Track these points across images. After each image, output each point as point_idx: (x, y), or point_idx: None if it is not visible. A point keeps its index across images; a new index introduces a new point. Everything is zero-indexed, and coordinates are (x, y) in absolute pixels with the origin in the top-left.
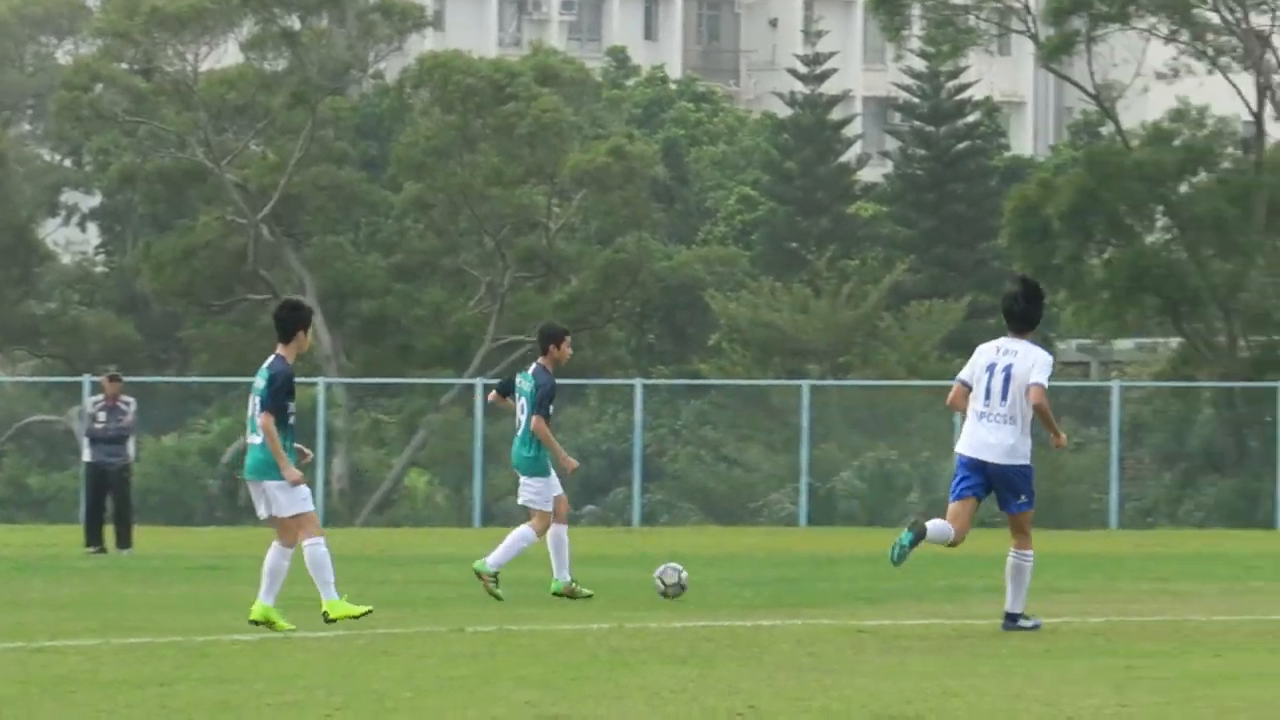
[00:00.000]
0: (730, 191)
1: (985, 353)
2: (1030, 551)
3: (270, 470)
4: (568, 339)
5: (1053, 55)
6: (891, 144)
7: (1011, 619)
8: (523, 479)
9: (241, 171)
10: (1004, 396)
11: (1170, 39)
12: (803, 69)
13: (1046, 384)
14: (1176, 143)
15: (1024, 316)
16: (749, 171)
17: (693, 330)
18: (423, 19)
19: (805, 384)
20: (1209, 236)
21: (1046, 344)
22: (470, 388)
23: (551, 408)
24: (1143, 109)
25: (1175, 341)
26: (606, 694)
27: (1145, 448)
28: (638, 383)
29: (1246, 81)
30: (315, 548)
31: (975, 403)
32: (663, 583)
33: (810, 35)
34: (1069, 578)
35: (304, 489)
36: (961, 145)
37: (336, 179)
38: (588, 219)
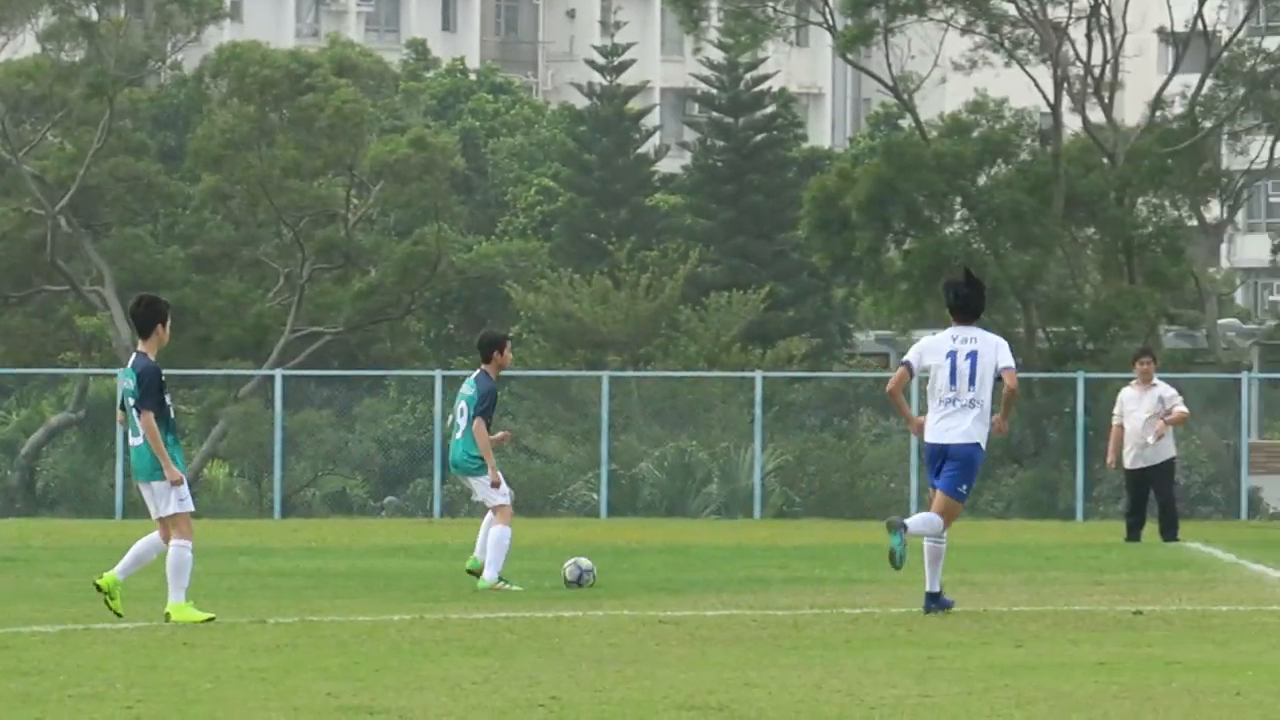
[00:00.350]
0: (529, 184)
1: (940, 341)
2: (945, 535)
3: (156, 471)
4: (509, 344)
5: (850, 47)
6: (690, 135)
7: (933, 599)
8: (472, 480)
9: (39, 163)
10: (971, 382)
11: (967, 30)
12: (601, 60)
13: (1014, 365)
14: (975, 134)
15: (968, 305)
16: (548, 164)
17: (492, 321)
18: (220, 10)
19: (605, 375)
20: (1007, 228)
21: (844, 334)
22: (269, 379)
23: (492, 413)
24: (940, 100)
25: None
26: (408, 685)
27: None
28: (437, 374)
29: (1044, 73)
30: (182, 550)
31: (940, 391)
32: (579, 568)
33: (608, 26)
34: (870, 568)
35: (186, 489)
36: (760, 136)
37: (135, 170)
38: (386, 210)
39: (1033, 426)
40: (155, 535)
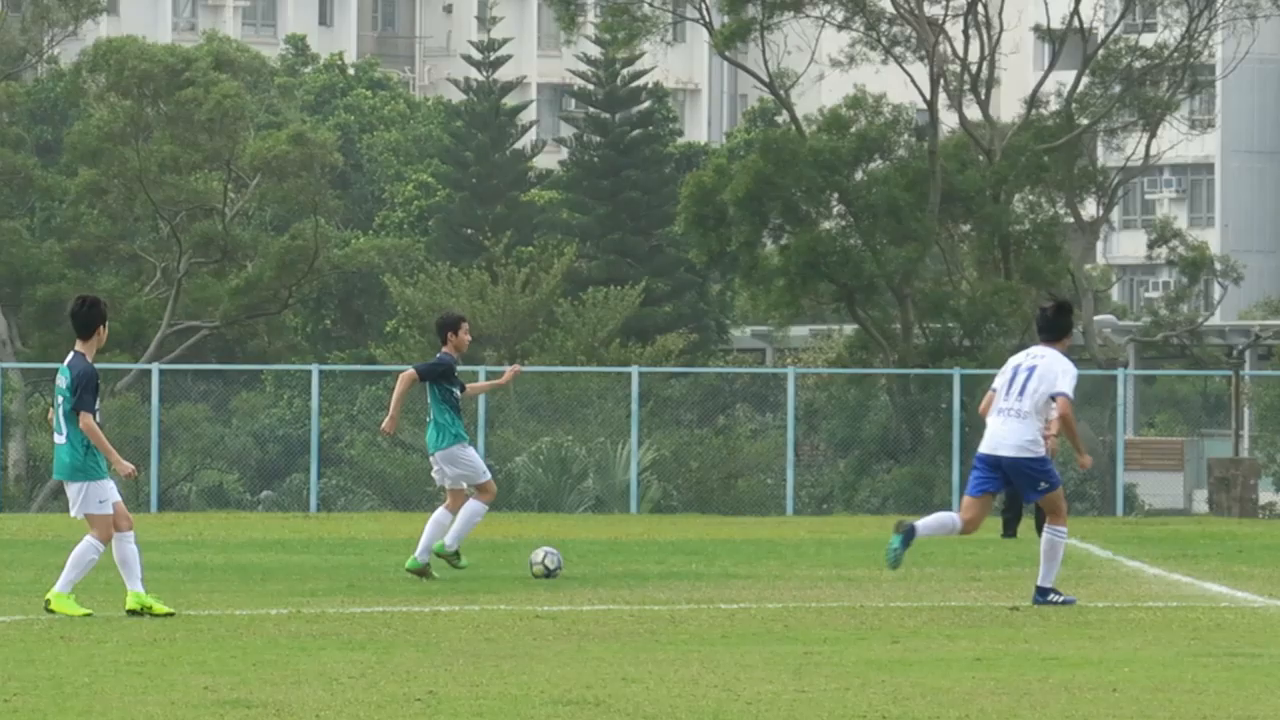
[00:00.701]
0: (406, 179)
1: (1015, 359)
2: (1063, 527)
3: (76, 472)
4: (465, 325)
5: (728, 44)
6: (567, 131)
7: (1042, 593)
8: (438, 455)
9: None
10: (1021, 392)
11: (844, 27)
12: (477, 56)
13: (1071, 395)
14: (852, 130)
15: (1050, 326)
16: (425, 159)
17: (369, 316)
18: (97, 5)
19: (482, 370)
20: (884, 224)
21: (721, 330)
22: (146, 373)
23: (441, 385)
24: (818, 96)
25: (850, 328)
26: (285, 679)
27: (821, 434)
28: (314, 369)
29: (922, 70)
30: (89, 549)
31: (996, 401)
32: (545, 566)
33: (485, 22)
34: (746, 564)
35: (107, 491)
36: (636, 132)
37: (11, 164)
38: (264, 205)
39: (909, 423)
40: (116, 537)
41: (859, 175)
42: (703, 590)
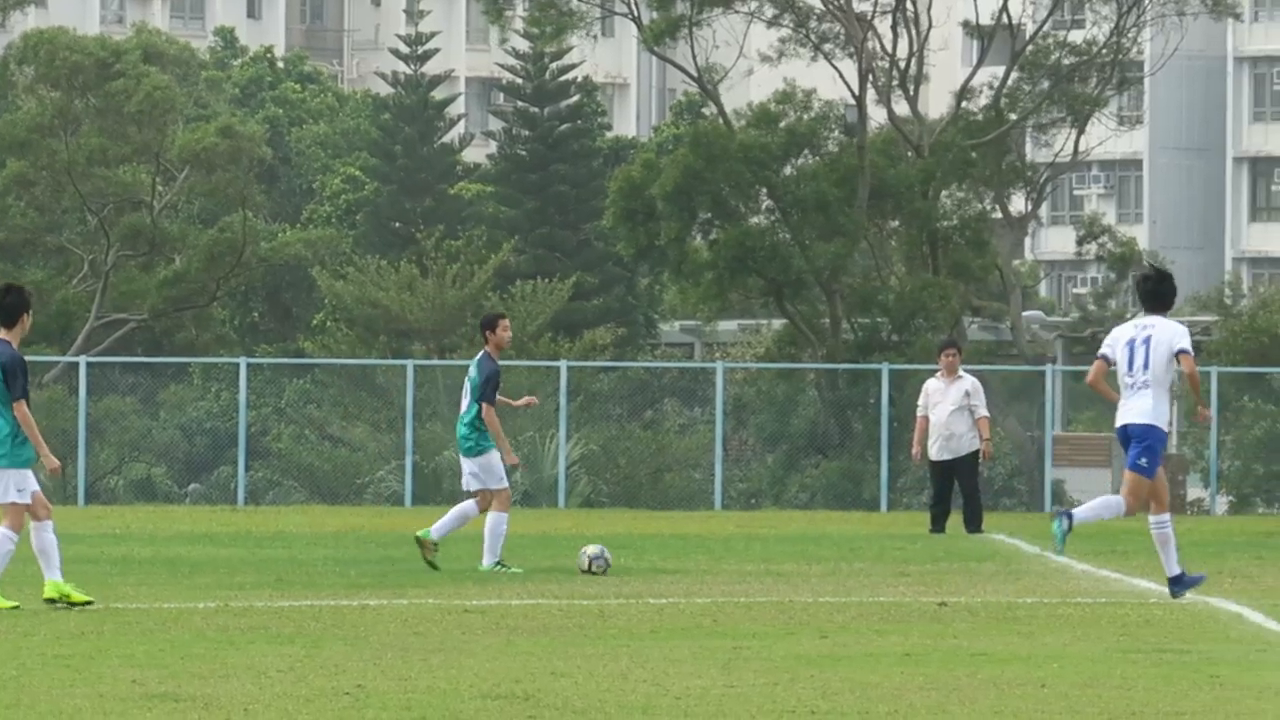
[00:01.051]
0: (335, 172)
1: (1124, 330)
2: (1166, 515)
3: (1, 458)
4: (503, 322)
5: (657, 40)
6: (495, 124)
7: (1177, 582)
8: (467, 462)
9: None
10: (1145, 365)
11: (773, 23)
12: (405, 49)
13: (1191, 350)
14: (782, 125)
15: (1155, 294)
16: (354, 153)
17: (298, 309)
18: None
19: (410, 363)
20: (812, 218)
21: (649, 324)
22: (74, 365)
23: (496, 394)
24: (747, 91)
25: (779, 323)
26: (213, 673)
27: (749, 429)
28: (242, 361)
29: (851, 66)
30: (6, 540)
31: (1122, 378)
32: (588, 559)
33: (413, 15)
34: (674, 559)
35: (27, 480)
36: (565, 126)
37: None
38: (192, 198)
39: (837, 417)
40: (33, 526)
41: (788, 170)
42: (631, 585)
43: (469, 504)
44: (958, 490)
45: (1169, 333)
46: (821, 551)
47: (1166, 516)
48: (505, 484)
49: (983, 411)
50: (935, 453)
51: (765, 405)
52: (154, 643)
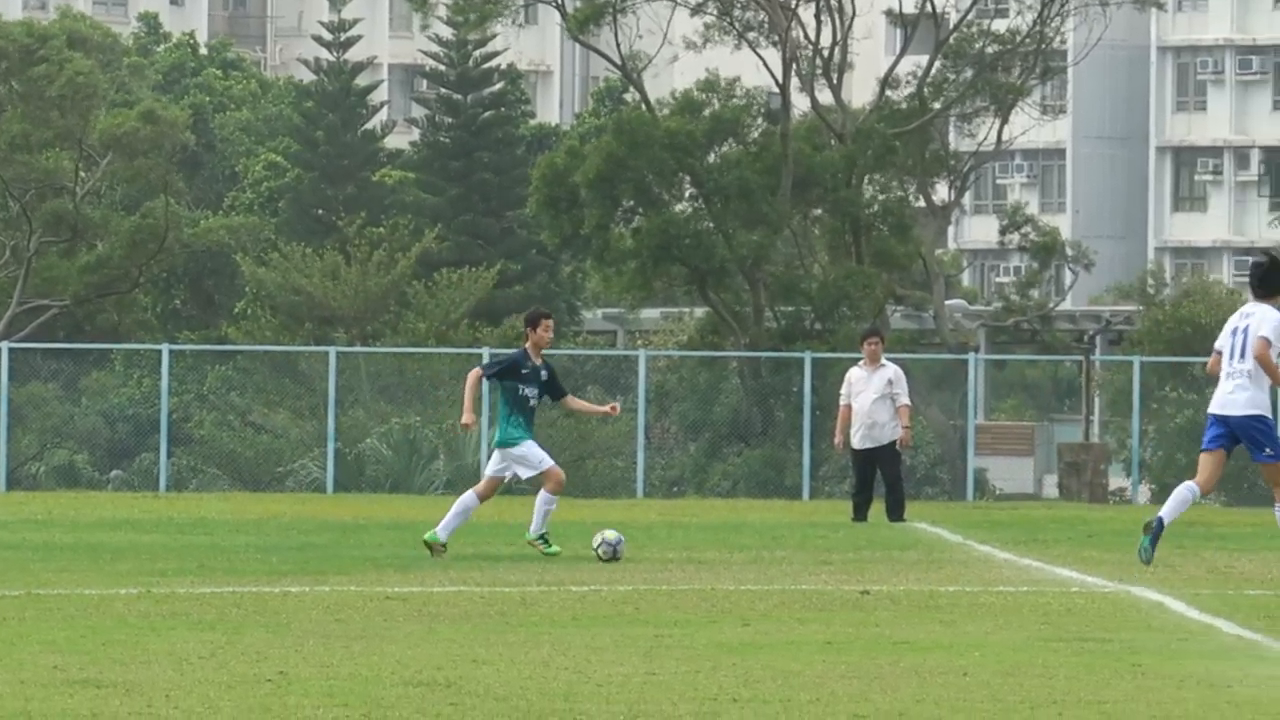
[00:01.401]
0: (257, 158)
1: (1232, 320)
2: None
3: None
4: (545, 321)
5: (581, 27)
6: (419, 112)
7: None
8: (504, 453)
9: None
10: (1242, 354)
11: (697, 10)
12: (328, 36)
13: (1272, 338)
14: (706, 113)
15: (1264, 281)
16: (277, 139)
17: (220, 296)
18: None
19: (332, 350)
20: (736, 206)
21: (572, 312)
22: None
23: (499, 372)
24: (671, 78)
25: (701, 311)
26: (135, 659)
27: (672, 417)
28: (164, 348)
29: (775, 54)
30: None
31: (1223, 365)
32: (606, 543)
33: (335, 2)
34: None
35: None
36: (488, 114)
37: None
38: (114, 184)
39: (760, 405)
40: None
41: (712, 158)
42: (553, 572)
43: (468, 496)
44: (880, 479)
45: (1258, 320)
46: (743, 539)
47: None
48: (548, 464)
49: (904, 400)
50: (858, 441)
51: (688, 393)
52: (75, 629)
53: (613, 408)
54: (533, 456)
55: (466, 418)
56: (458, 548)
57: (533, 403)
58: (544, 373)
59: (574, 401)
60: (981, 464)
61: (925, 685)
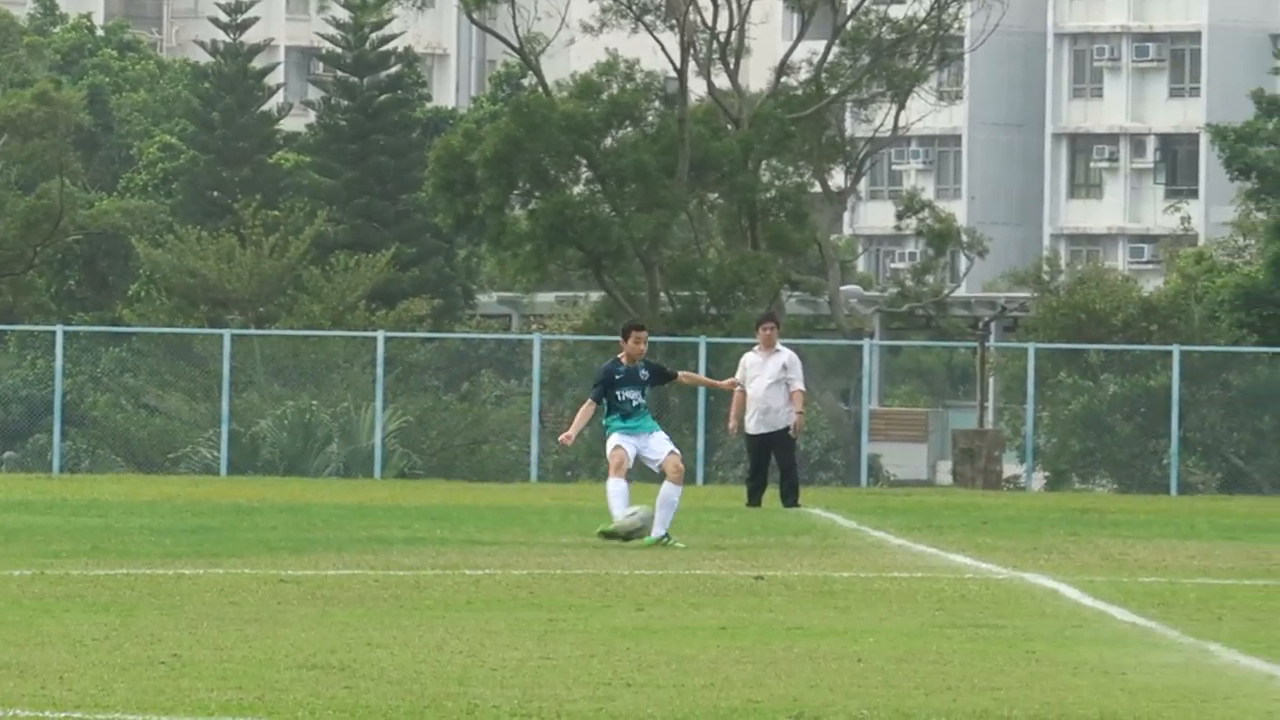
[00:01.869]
0: (153, 139)
1: None
2: None
3: None
4: (635, 333)
5: (478, 6)
6: (316, 94)
7: None
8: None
9: None
10: None
11: None
12: (225, 18)
13: None
14: (603, 96)
15: None
16: (174, 120)
17: (115, 278)
18: None
19: (227, 333)
20: (632, 190)
21: (467, 295)
22: None
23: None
24: (568, 62)
25: (597, 295)
26: (29, 641)
27: (566, 401)
28: (58, 329)
29: (673, 39)
30: None
31: None
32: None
33: None
34: (491, 530)
35: None
36: (384, 97)
37: None
38: (9, 165)
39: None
40: None
41: (609, 141)
42: (448, 556)
43: (664, 486)
44: (774, 464)
45: None
46: None
47: None
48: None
49: (798, 385)
50: (753, 426)
51: (582, 377)
52: None
53: (731, 383)
54: (608, 447)
55: (566, 438)
56: (352, 530)
57: (636, 402)
58: (643, 372)
59: (688, 377)
60: (876, 450)
61: (819, 671)
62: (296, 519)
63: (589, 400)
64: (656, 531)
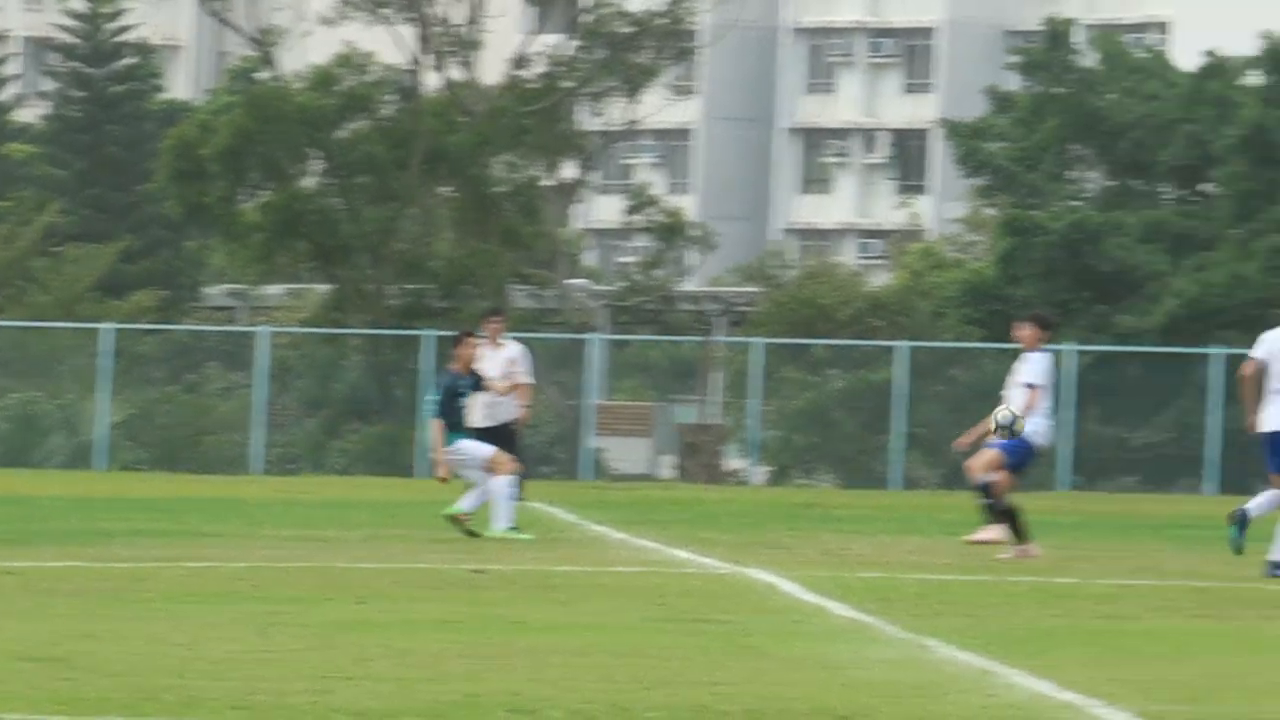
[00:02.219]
0: None
1: (1276, 336)
2: None
3: None
4: (464, 338)
5: None
6: (51, 85)
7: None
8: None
9: None
10: None
11: None
12: None
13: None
14: (340, 88)
15: None
16: None
17: None
18: None
19: None
20: (364, 182)
21: (195, 287)
22: None
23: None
24: (306, 54)
25: (325, 288)
26: None
27: (292, 393)
28: None
29: (411, 30)
30: None
31: (1270, 381)
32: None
33: None
34: (212, 522)
35: None
36: (119, 88)
37: None
38: None
39: (378, 382)
40: None
41: (344, 133)
42: (169, 548)
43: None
44: None
45: None
46: (359, 517)
47: None
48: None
49: (525, 379)
50: (479, 420)
51: (307, 369)
52: None
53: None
54: (469, 454)
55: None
56: (72, 522)
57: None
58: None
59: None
60: (600, 444)
61: (540, 665)
62: (18, 510)
63: (438, 421)
64: (501, 524)
